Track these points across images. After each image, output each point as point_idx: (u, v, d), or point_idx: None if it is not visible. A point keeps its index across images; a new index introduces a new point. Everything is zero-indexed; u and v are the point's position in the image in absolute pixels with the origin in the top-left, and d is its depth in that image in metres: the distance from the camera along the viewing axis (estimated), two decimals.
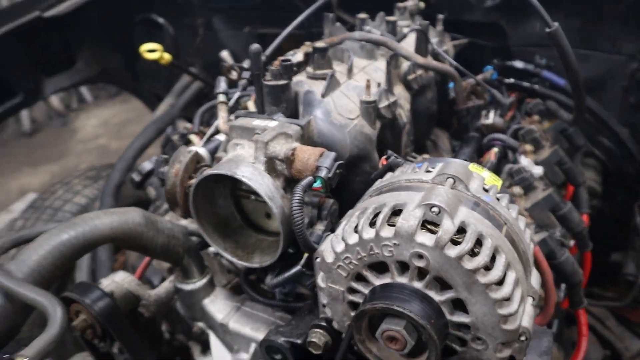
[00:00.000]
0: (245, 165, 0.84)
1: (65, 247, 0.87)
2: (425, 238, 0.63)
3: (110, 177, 1.67)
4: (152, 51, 1.43)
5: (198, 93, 1.99)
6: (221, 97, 1.05)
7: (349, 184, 0.94)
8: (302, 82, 1.03)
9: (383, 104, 1.02)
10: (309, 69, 1.04)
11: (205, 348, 1.16)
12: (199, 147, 1.16)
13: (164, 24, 1.98)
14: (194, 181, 0.88)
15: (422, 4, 1.53)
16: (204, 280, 1.07)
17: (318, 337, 0.78)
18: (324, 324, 0.78)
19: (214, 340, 1.11)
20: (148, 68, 2.15)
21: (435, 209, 0.65)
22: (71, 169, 3.87)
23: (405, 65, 1.18)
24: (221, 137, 1.23)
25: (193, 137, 1.26)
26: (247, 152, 0.88)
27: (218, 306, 1.07)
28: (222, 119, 1.00)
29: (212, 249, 1.12)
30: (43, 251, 0.85)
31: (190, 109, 1.94)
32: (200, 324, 1.11)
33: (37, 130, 4.36)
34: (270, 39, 1.96)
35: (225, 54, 1.91)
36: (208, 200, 0.93)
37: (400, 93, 1.15)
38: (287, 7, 1.82)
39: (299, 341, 0.84)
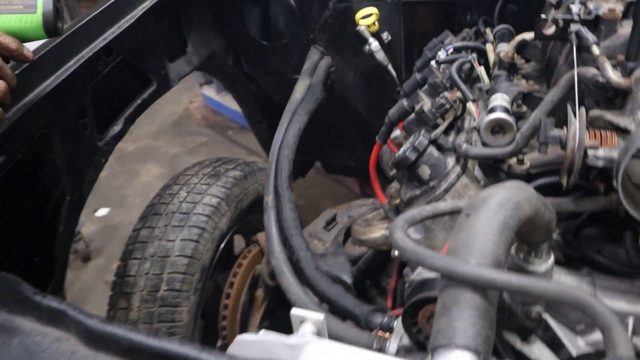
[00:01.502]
0: None
1: (508, 230, 0.72)
2: None
3: (279, 168, 1.48)
4: (366, 17, 1.26)
5: (328, 70, 1.83)
6: (596, 49, 0.91)
7: None
8: None
9: None
10: None
11: (527, 336, 1.04)
12: (500, 114, 1.04)
13: None
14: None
15: None
16: (553, 258, 0.95)
17: None
18: None
19: (554, 324, 1.00)
20: (250, 50, 1.95)
21: None
22: None
23: None
24: (501, 102, 1.11)
25: (471, 106, 1.12)
26: None
27: (570, 283, 0.96)
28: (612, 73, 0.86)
29: None
30: (492, 236, 0.70)
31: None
32: (538, 308, 0.99)
33: None
34: (419, 8, 1.84)
35: (363, 29, 1.75)
36: None
37: None
38: None
39: None
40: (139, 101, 1.47)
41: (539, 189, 1.00)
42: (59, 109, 1.19)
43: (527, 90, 1.17)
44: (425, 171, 1.10)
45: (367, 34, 1.76)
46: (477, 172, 1.14)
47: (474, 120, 1.15)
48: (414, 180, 1.12)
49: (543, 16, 1.04)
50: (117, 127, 1.40)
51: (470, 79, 1.39)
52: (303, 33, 1.83)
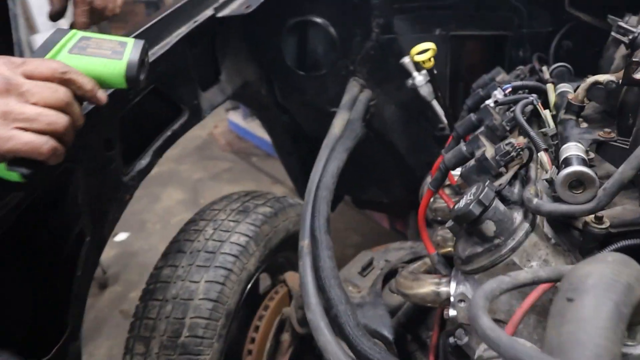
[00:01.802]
0: None
1: (622, 320, 0.59)
2: None
3: (317, 210, 1.36)
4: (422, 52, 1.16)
5: (368, 104, 1.72)
6: None
7: None
8: None
9: None
10: None
11: None
12: (580, 167, 0.92)
13: (323, 23, 1.69)
14: None
15: None
16: None
17: None
18: None
19: None
20: (285, 79, 1.86)
21: None
22: None
23: None
24: (576, 151, 0.99)
25: (543, 156, 1.00)
26: None
27: None
28: None
29: None
30: (605, 330, 0.57)
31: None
32: None
33: None
34: (466, 42, 1.74)
35: (407, 61, 1.65)
36: None
37: None
38: (496, 6, 1.59)
39: None
40: (168, 132, 1.37)
41: (620, 251, 0.87)
42: (85, 141, 1.09)
43: (603, 139, 1.04)
44: (490, 227, 0.97)
45: (410, 68, 1.65)
46: (547, 228, 1.01)
47: (544, 170, 1.02)
48: (475, 236, 1.00)
49: (636, 59, 0.92)
50: (144, 161, 1.31)
51: (530, 121, 1.27)
52: (342, 64, 1.73)
